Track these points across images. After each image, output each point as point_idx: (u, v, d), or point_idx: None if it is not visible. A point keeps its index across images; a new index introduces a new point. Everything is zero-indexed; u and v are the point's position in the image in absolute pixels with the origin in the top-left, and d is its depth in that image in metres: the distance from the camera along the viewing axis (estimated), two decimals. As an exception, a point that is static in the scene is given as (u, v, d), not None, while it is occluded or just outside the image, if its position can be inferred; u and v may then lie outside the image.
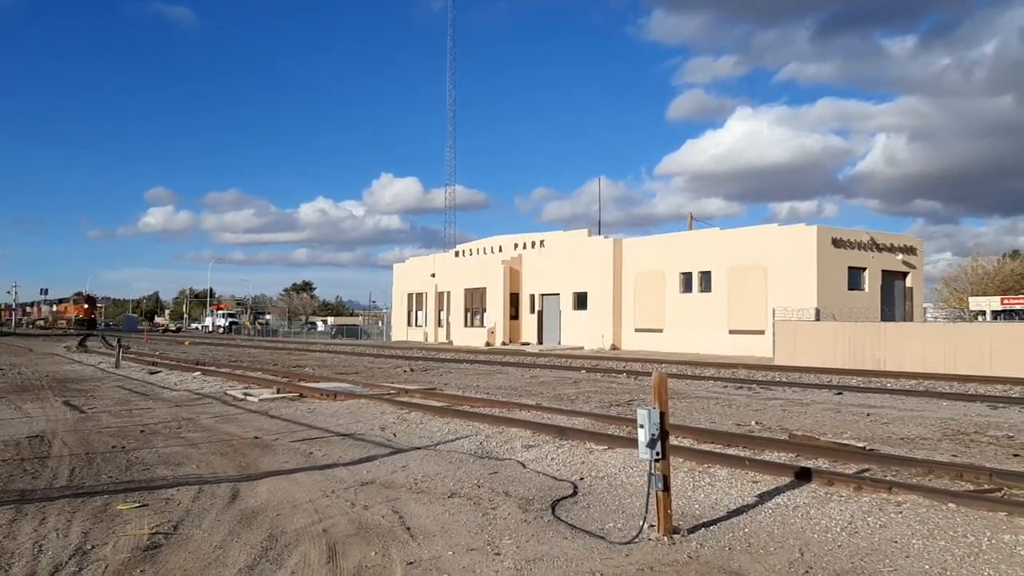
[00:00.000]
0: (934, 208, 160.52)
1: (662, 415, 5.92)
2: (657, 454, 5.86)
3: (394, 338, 57.89)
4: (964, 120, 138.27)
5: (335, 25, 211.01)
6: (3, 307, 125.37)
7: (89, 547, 5.64)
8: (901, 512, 6.44)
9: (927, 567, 5.21)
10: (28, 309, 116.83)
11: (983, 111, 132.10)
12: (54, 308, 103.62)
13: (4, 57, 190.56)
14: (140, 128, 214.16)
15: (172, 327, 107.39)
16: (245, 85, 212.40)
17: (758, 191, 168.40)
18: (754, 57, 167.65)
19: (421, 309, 55.16)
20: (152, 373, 22.40)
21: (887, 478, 7.61)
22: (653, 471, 5.90)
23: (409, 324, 56.55)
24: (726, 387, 17.77)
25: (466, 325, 49.88)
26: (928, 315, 48.71)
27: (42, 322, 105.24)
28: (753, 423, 11.89)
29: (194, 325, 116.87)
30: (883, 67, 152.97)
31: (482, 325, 48.08)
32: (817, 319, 29.64)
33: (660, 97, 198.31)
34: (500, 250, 49.45)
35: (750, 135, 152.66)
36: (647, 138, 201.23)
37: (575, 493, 7.35)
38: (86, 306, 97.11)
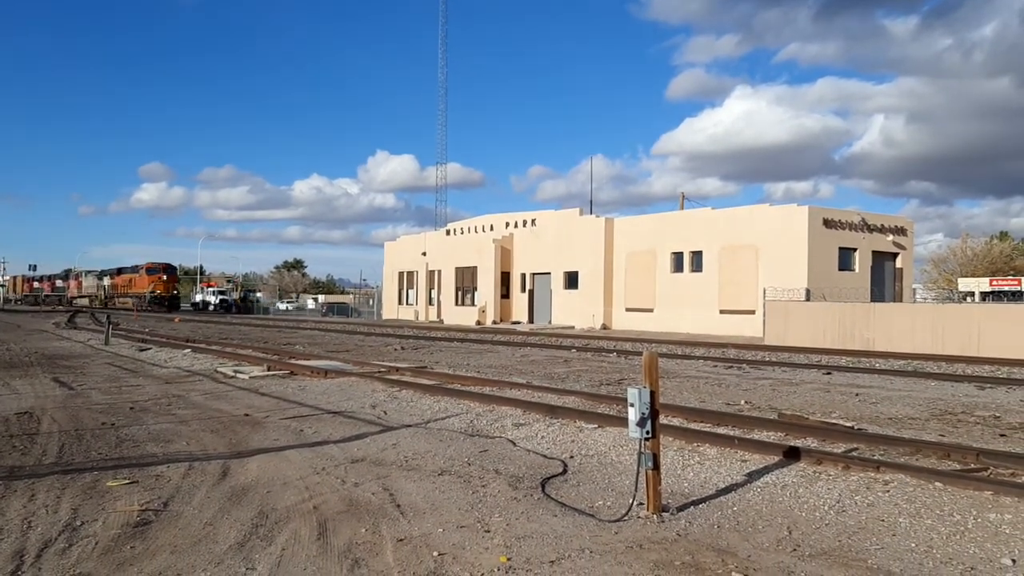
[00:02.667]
0: (928, 189, 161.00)
1: (652, 394, 5.93)
2: (647, 433, 5.87)
3: (385, 316, 57.85)
4: (961, 102, 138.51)
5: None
6: (24, 280, 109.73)
7: (79, 523, 5.64)
8: (888, 491, 6.48)
9: (913, 545, 5.26)
10: (60, 283, 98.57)
11: (981, 93, 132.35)
12: (108, 281, 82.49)
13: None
14: (137, 103, 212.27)
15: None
16: (244, 60, 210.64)
17: (755, 171, 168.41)
18: (756, 36, 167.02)
19: (412, 287, 55.09)
20: (142, 350, 22.34)
21: (875, 457, 7.66)
22: (643, 450, 5.92)
23: (400, 302, 56.49)
24: (716, 367, 17.84)
25: (457, 304, 49.87)
26: (917, 296, 48.98)
27: (85, 300, 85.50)
28: (743, 403, 11.95)
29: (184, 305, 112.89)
30: (884, 48, 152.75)
31: (473, 304, 48.07)
32: (807, 299, 29.74)
33: (660, 76, 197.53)
34: (491, 229, 49.35)
35: (749, 114, 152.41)
36: (645, 117, 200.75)
37: (565, 471, 7.38)
38: (164, 278, 72.64)
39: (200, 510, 6.02)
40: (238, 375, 15.41)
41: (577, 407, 10.91)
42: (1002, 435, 9.45)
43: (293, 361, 17.98)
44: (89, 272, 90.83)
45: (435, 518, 5.81)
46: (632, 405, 5.90)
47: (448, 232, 55.46)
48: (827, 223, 33.59)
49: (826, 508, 6.12)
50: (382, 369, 16.19)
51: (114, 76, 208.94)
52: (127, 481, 6.88)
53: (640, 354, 13.16)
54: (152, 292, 71.30)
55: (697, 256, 36.86)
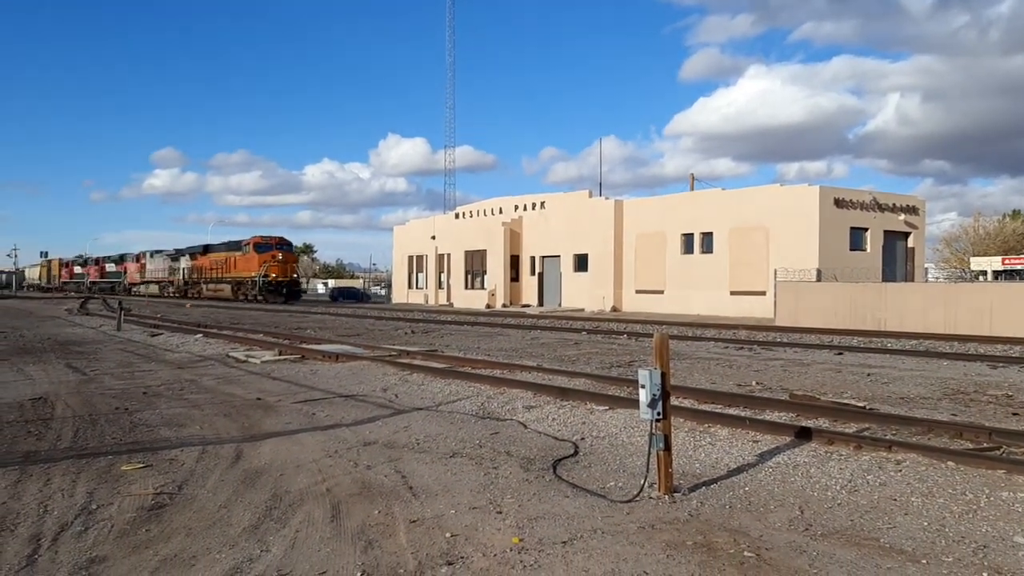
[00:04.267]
0: (943, 168, 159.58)
1: (663, 376, 5.93)
2: (658, 414, 5.87)
3: (395, 300, 57.95)
4: (977, 80, 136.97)
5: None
6: (62, 264, 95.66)
7: (94, 507, 5.69)
8: (900, 470, 6.47)
9: (926, 524, 5.25)
10: (112, 267, 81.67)
11: (996, 70, 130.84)
12: (187, 263, 63.75)
13: (10, 16, 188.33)
14: (150, 89, 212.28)
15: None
16: (257, 45, 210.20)
17: (768, 151, 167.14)
18: (771, 15, 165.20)
19: (421, 271, 55.14)
20: (154, 336, 22.46)
21: (887, 437, 7.65)
22: (654, 431, 5.92)
23: (410, 286, 56.58)
24: (727, 348, 17.81)
25: (466, 287, 49.89)
26: (929, 275, 48.70)
27: (153, 287, 69.81)
28: (754, 383, 11.93)
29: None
30: (899, 26, 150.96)
31: (483, 287, 48.08)
32: (818, 279, 29.62)
33: (673, 57, 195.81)
34: (500, 212, 49.24)
35: (763, 93, 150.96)
36: (658, 99, 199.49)
37: (576, 453, 7.39)
38: (280, 256, 53.07)
39: (214, 493, 6.07)
40: (250, 359, 15.48)
41: (588, 389, 10.92)
42: (1015, 414, 9.41)
43: (304, 345, 18.04)
44: (157, 253, 72.43)
45: (447, 500, 5.84)
46: (643, 387, 5.90)
47: (457, 216, 55.40)
48: (838, 203, 33.37)
49: (838, 488, 6.12)
50: (393, 353, 16.23)
51: (127, 62, 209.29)
52: (141, 465, 6.94)
53: (650, 336, 13.14)
54: (264, 276, 51.46)
55: (707, 237, 36.72)
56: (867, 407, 9.50)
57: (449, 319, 31.77)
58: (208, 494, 6.05)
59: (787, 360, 15.18)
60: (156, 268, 71.03)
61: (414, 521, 5.33)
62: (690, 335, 21.11)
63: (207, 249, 62.41)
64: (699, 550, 4.78)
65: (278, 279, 52.36)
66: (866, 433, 7.91)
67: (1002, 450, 7.22)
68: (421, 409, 9.80)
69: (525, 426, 8.68)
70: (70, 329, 26.24)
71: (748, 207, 35.06)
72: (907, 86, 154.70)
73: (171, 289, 66.95)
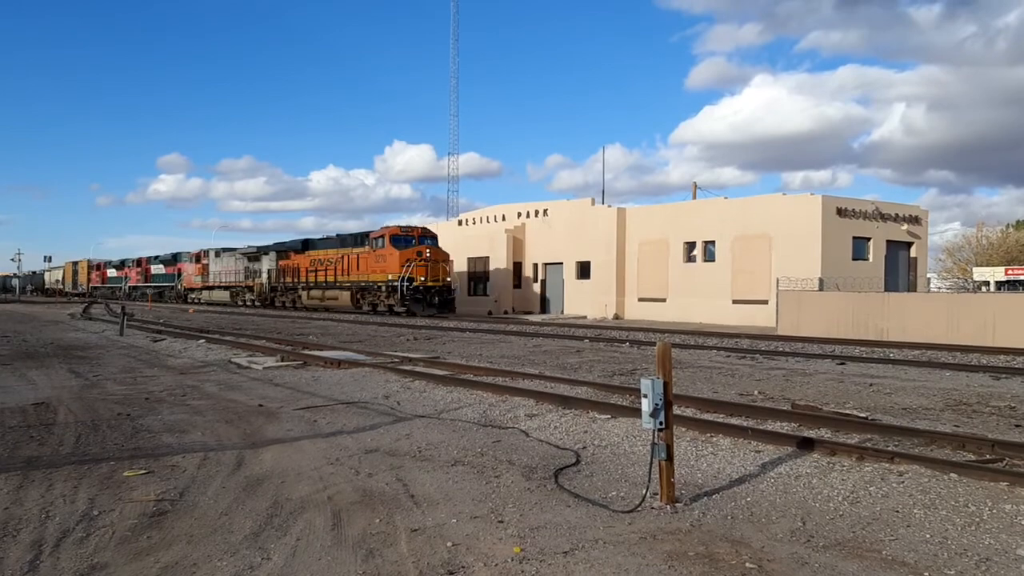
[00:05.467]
0: (947, 178, 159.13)
1: (666, 385, 5.93)
2: (660, 424, 5.87)
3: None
4: (983, 90, 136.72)
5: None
6: (91, 266, 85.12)
7: (96, 513, 5.69)
8: (903, 482, 6.46)
9: (928, 536, 5.24)
10: (160, 268, 69.18)
11: (1003, 81, 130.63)
12: (273, 263, 50.34)
13: (16, 18, 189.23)
14: (157, 94, 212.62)
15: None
16: (265, 49, 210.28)
17: (773, 160, 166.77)
18: (778, 24, 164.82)
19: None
20: (156, 341, 22.48)
21: (889, 448, 7.63)
22: (656, 440, 5.92)
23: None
24: (729, 357, 17.80)
25: (469, 294, 49.88)
26: (932, 285, 48.65)
27: (224, 294, 56.64)
28: (756, 393, 11.92)
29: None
30: (906, 35, 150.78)
31: (485, 294, 48.06)
32: (821, 289, 29.59)
33: (680, 65, 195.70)
34: (503, 219, 49.23)
35: (769, 102, 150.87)
36: (664, 107, 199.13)
37: (578, 462, 7.39)
38: (428, 254, 38.73)
39: (215, 500, 6.07)
40: (252, 365, 15.50)
41: (590, 397, 10.91)
42: (1017, 425, 9.39)
43: (306, 351, 18.05)
44: (226, 251, 58.74)
45: (449, 509, 5.83)
46: (645, 396, 5.90)
47: (460, 222, 55.37)
48: (841, 212, 33.35)
49: (840, 499, 6.11)
50: (395, 359, 16.23)
51: (135, 67, 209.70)
52: (143, 471, 6.94)
53: (653, 344, 13.14)
54: (408, 280, 37.22)
55: (710, 245, 36.70)
56: (869, 417, 9.49)
57: (451, 325, 31.73)
58: (209, 501, 6.05)
59: (789, 369, 15.16)
60: (224, 270, 57.41)
61: (415, 530, 5.33)
62: (692, 343, 21.09)
63: (307, 245, 48.08)
64: (701, 561, 4.77)
65: (427, 283, 37.76)
66: (868, 444, 7.89)
67: (1005, 462, 7.20)
68: (423, 417, 9.79)
69: (527, 434, 8.68)
70: (73, 334, 26.27)
71: (751, 216, 35.05)
72: (913, 96, 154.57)
73: (249, 296, 53.18)
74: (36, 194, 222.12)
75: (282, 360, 16.38)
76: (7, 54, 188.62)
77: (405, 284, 37.35)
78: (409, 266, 37.65)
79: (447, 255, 40.75)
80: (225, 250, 59.36)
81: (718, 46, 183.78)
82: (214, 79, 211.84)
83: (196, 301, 60.04)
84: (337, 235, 46.07)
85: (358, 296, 41.41)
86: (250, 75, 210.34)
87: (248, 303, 53.20)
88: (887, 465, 6.97)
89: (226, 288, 56.78)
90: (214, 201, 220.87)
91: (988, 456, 7.40)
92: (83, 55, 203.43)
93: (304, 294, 46.53)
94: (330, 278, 43.86)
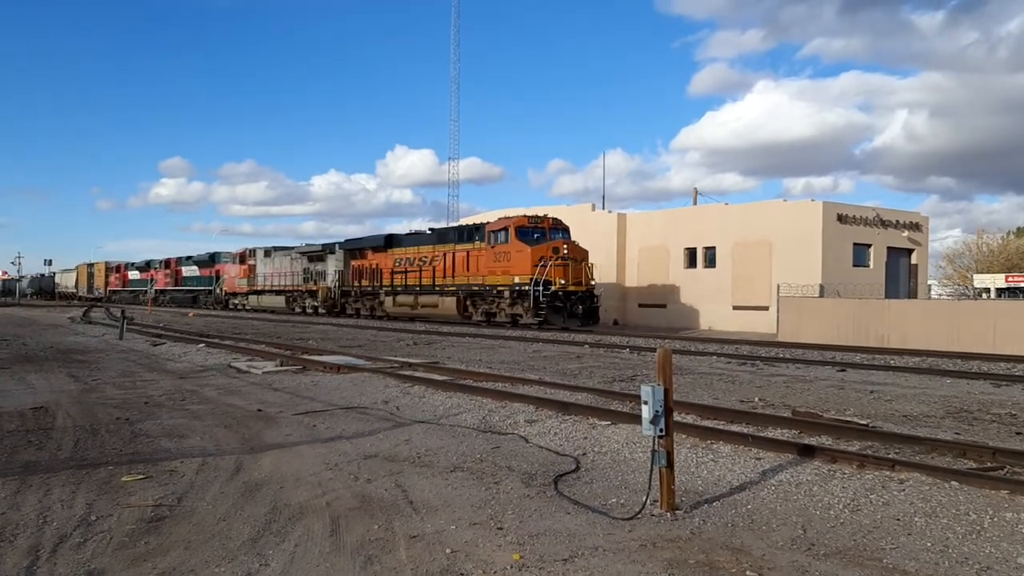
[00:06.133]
0: (948, 185, 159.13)
1: (666, 391, 5.91)
2: (661, 430, 5.85)
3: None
4: (984, 97, 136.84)
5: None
6: (110, 269, 79.07)
7: (94, 518, 5.67)
8: (904, 490, 6.44)
9: (929, 544, 5.22)
10: (193, 270, 63.07)
11: (1004, 88, 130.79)
12: (341, 263, 42.97)
13: (21, 22, 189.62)
14: (159, 98, 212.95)
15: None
16: (269, 54, 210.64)
17: (775, 166, 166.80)
18: (781, 31, 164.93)
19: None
20: (155, 345, 22.46)
21: (890, 456, 7.61)
22: (656, 447, 5.90)
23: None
24: (729, 363, 17.77)
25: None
26: (933, 292, 48.63)
27: (274, 297, 49.40)
28: (756, 399, 11.89)
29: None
30: (909, 42, 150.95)
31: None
32: (821, 295, 29.58)
33: (682, 71, 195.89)
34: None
35: (771, 109, 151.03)
36: (666, 113, 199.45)
37: (578, 468, 7.36)
38: (565, 250, 30.12)
39: (214, 506, 6.05)
40: (251, 370, 15.48)
41: (590, 404, 10.89)
42: (1018, 433, 9.36)
43: (306, 356, 18.02)
44: (279, 250, 51.38)
45: (448, 515, 5.81)
46: (646, 402, 5.88)
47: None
48: (841, 218, 33.37)
49: (841, 507, 6.09)
50: (394, 364, 16.21)
51: (138, 70, 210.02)
52: (141, 476, 6.92)
53: (653, 350, 13.11)
54: (542, 284, 29.24)
55: (710, 251, 36.70)
56: (870, 425, 9.47)
57: (451, 330, 31.70)
58: (208, 506, 6.03)
59: (790, 376, 15.14)
60: (276, 271, 50.15)
61: (414, 536, 5.31)
62: (693, 350, 21.07)
63: (391, 242, 39.57)
64: (701, 569, 4.75)
65: (568, 288, 29.40)
66: (869, 451, 7.87)
67: (1006, 470, 7.18)
68: (422, 422, 9.77)
69: (527, 440, 8.66)
70: (72, 338, 26.25)
71: (751, 222, 35.06)
72: (915, 102, 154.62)
73: (310, 301, 45.97)
74: (37, 197, 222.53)
75: (281, 364, 16.36)
76: (8, 57, 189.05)
77: (539, 289, 29.13)
78: (544, 266, 29.35)
79: (586, 252, 31.69)
80: (278, 249, 52.10)
81: (720, 52, 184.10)
82: (217, 84, 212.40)
83: (240, 308, 53.60)
84: (432, 229, 38.38)
85: (467, 303, 33.76)
86: (253, 79, 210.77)
87: (309, 310, 46.04)
88: (888, 473, 6.94)
89: (279, 292, 49.38)
90: (215, 205, 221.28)
91: (989, 464, 7.38)
92: (84, 59, 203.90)
93: (388, 300, 38.66)
94: (425, 281, 35.95)
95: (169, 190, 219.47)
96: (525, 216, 32.21)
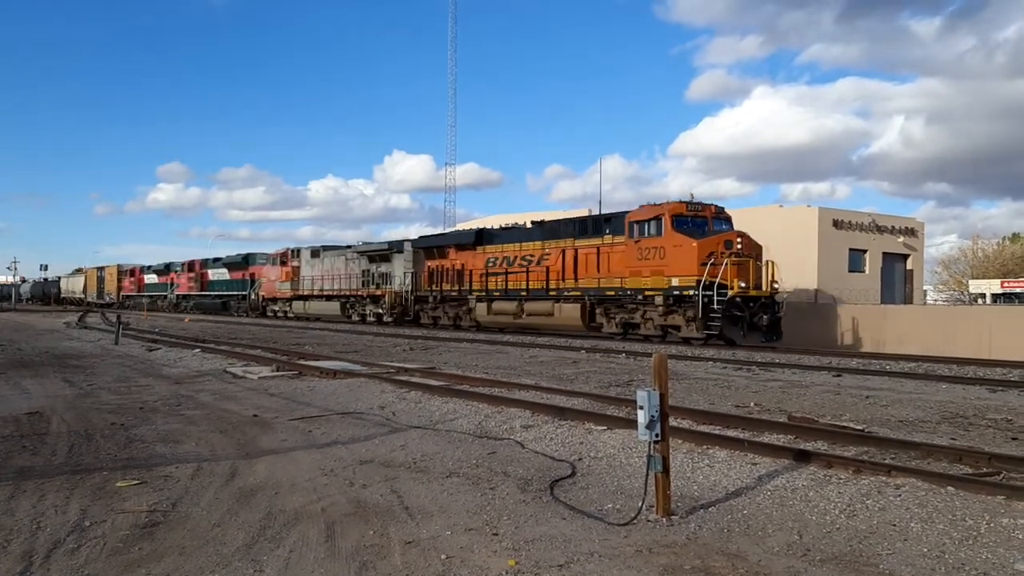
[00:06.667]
0: (945, 191, 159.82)
1: (662, 396, 5.90)
2: (656, 436, 5.85)
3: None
4: (981, 103, 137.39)
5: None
6: (123, 272, 74.90)
7: (87, 524, 5.65)
8: (900, 495, 6.43)
9: (925, 550, 5.21)
10: (216, 272, 58.38)
11: (1001, 94, 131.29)
12: (408, 262, 37.36)
13: (22, 28, 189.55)
14: (158, 102, 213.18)
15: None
16: (271, 59, 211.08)
17: (772, 172, 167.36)
18: (779, 37, 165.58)
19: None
20: (151, 350, 22.40)
21: (886, 461, 7.60)
22: (652, 452, 5.89)
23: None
24: (725, 368, 17.77)
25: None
26: (928, 298, 48.69)
27: (323, 303, 43.87)
28: (752, 405, 11.89)
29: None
30: (906, 49, 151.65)
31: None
32: (816, 300, 29.62)
33: (681, 77, 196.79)
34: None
35: (768, 114, 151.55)
36: (664, 118, 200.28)
37: (573, 474, 7.35)
38: (738, 243, 23.66)
39: (208, 511, 6.03)
40: (247, 375, 15.44)
41: (586, 409, 10.87)
42: (1014, 439, 9.37)
43: (302, 361, 17.99)
44: (328, 249, 46.17)
45: (443, 520, 5.80)
46: (641, 408, 5.87)
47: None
48: (837, 224, 33.48)
49: (837, 512, 6.08)
50: (391, 370, 16.18)
51: (137, 75, 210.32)
52: (136, 482, 6.89)
53: (648, 355, 13.10)
54: (715, 284, 22.60)
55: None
56: (866, 430, 9.46)
57: (448, 336, 31.69)
58: (202, 512, 6.01)
59: (785, 381, 15.14)
60: (326, 274, 44.05)
61: (409, 542, 5.29)
62: (688, 355, 21.07)
63: (482, 238, 33.52)
64: (697, 574, 4.74)
65: (748, 293, 23.38)
66: (865, 457, 7.87)
67: (1002, 475, 7.17)
68: (418, 427, 9.75)
69: (523, 446, 8.64)
70: (68, 343, 26.18)
71: (747, 227, 34.95)
72: (912, 108, 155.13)
73: (372, 308, 39.94)
74: (35, 202, 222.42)
75: (277, 370, 16.33)
76: (7, 61, 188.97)
77: (711, 294, 22.66)
78: (716, 264, 23.06)
79: (760, 247, 25.27)
80: (328, 248, 46.44)
81: (719, 58, 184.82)
82: (216, 88, 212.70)
83: (281, 315, 48.81)
84: (535, 222, 31.95)
85: (596, 310, 27.31)
86: (252, 85, 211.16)
87: (370, 318, 39.83)
88: (884, 478, 6.94)
89: (331, 298, 43.30)
90: (212, 210, 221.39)
91: (985, 469, 7.38)
92: (84, 63, 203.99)
93: (480, 307, 32.22)
94: (534, 284, 29.57)
95: (167, 195, 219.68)
96: (682, 202, 25.25)
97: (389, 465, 7.65)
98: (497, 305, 31.25)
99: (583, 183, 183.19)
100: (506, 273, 30.93)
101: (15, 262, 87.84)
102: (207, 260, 61.45)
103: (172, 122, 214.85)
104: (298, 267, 47.03)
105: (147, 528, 5.59)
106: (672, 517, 5.87)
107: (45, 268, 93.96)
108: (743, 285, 23.08)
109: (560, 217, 34.03)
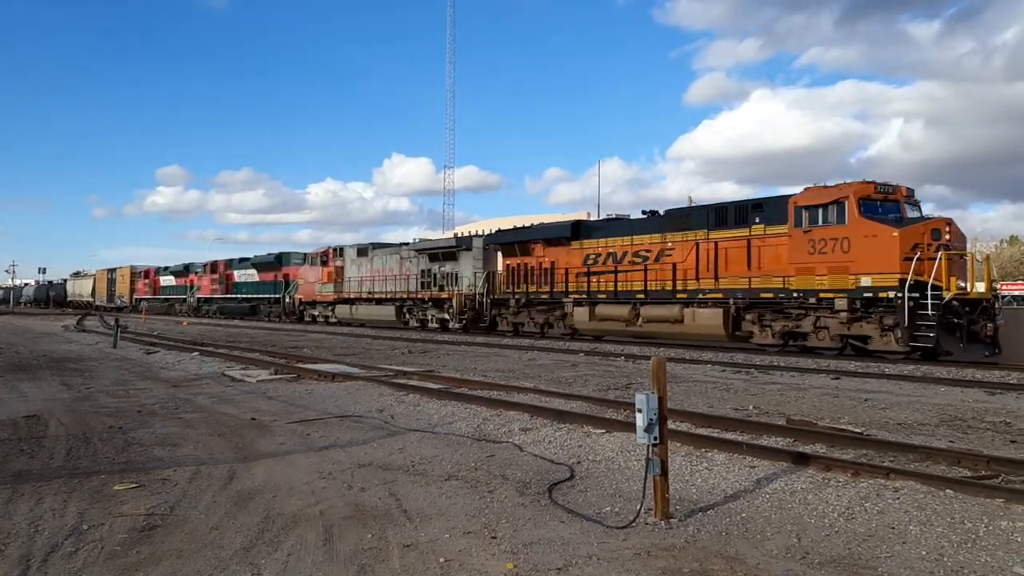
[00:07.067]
0: (943, 194, 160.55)
1: (660, 399, 5.90)
2: (655, 439, 5.84)
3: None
4: (979, 106, 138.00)
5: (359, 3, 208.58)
6: (136, 274, 71.78)
7: (85, 527, 5.64)
8: (898, 498, 6.43)
9: (924, 553, 5.21)
10: (244, 273, 55.06)
11: (999, 97, 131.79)
12: (480, 260, 33.07)
13: (21, 30, 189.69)
14: (158, 106, 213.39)
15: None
16: (269, 64, 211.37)
17: (771, 175, 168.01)
18: (778, 40, 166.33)
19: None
20: (149, 353, 22.38)
21: (885, 464, 7.61)
22: (651, 455, 5.89)
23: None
24: (724, 371, 17.77)
25: (465, 307, 49.48)
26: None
27: (373, 307, 39.28)
28: (751, 407, 11.89)
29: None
30: (905, 52, 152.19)
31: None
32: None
33: (680, 81, 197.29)
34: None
35: (767, 117, 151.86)
36: (663, 121, 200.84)
37: (572, 477, 7.34)
38: (946, 233, 18.61)
39: (206, 515, 6.02)
40: (245, 378, 15.43)
41: (584, 412, 10.87)
42: (1013, 441, 9.37)
43: (300, 365, 17.98)
44: (378, 247, 41.61)
45: (441, 524, 5.79)
46: (640, 411, 5.87)
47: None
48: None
49: (835, 515, 6.08)
50: (389, 373, 16.17)
51: (136, 79, 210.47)
52: (134, 485, 6.88)
53: (647, 358, 13.10)
54: (927, 284, 17.91)
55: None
56: (864, 433, 9.46)
57: (446, 339, 31.68)
58: (200, 516, 6.00)
59: (784, 384, 15.14)
60: (376, 275, 39.54)
61: (408, 546, 5.28)
62: (687, 358, 21.06)
63: (579, 231, 28.56)
64: (695, 578, 4.73)
65: (967, 295, 19.03)
66: (864, 459, 7.86)
67: (1001, 478, 7.17)
68: (416, 431, 9.74)
69: (521, 449, 8.63)
70: (66, 346, 26.16)
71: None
72: (911, 111, 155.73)
73: (434, 312, 35.71)
74: (34, 206, 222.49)
75: (276, 373, 16.32)
76: (7, 64, 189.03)
77: (927, 298, 18.21)
78: (921, 259, 18.55)
79: (965, 237, 20.91)
80: (377, 246, 41.63)
81: (717, 62, 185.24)
82: (216, 93, 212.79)
83: (322, 320, 44.14)
84: (648, 212, 26.19)
85: (745, 316, 22.52)
86: (252, 89, 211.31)
87: (433, 324, 35.66)
88: (883, 481, 6.94)
89: (383, 301, 38.73)
90: (210, 213, 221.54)
91: (984, 472, 7.38)
92: (84, 66, 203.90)
93: (580, 311, 27.32)
94: (653, 284, 24.90)
95: (165, 198, 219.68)
96: (869, 182, 20.00)
97: (387, 468, 7.64)
98: (603, 310, 26.56)
99: (582, 186, 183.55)
100: (615, 271, 26.13)
101: (13, 265, 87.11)
102: (232, 260, 57.68)
103: (172, 125, 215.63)
104: (342, 267, 42.53)
105: (145, 531, 5.57)
106: (671, 520, 5.86)
107: (43, 271, 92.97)
108: (962, 285, 18.80)
109: (556, 219, 33.96)
